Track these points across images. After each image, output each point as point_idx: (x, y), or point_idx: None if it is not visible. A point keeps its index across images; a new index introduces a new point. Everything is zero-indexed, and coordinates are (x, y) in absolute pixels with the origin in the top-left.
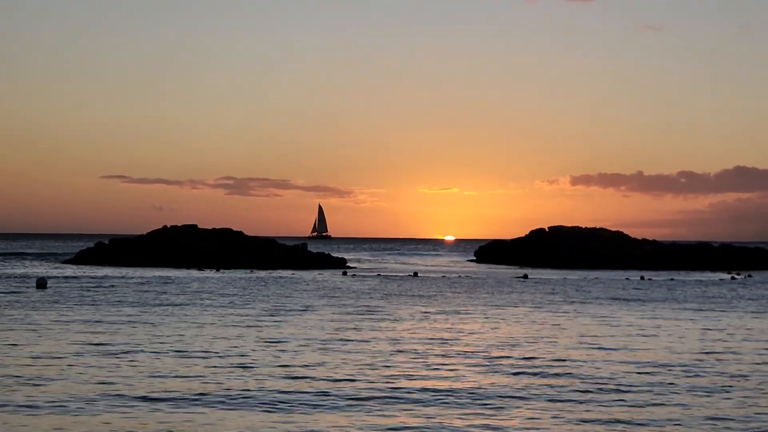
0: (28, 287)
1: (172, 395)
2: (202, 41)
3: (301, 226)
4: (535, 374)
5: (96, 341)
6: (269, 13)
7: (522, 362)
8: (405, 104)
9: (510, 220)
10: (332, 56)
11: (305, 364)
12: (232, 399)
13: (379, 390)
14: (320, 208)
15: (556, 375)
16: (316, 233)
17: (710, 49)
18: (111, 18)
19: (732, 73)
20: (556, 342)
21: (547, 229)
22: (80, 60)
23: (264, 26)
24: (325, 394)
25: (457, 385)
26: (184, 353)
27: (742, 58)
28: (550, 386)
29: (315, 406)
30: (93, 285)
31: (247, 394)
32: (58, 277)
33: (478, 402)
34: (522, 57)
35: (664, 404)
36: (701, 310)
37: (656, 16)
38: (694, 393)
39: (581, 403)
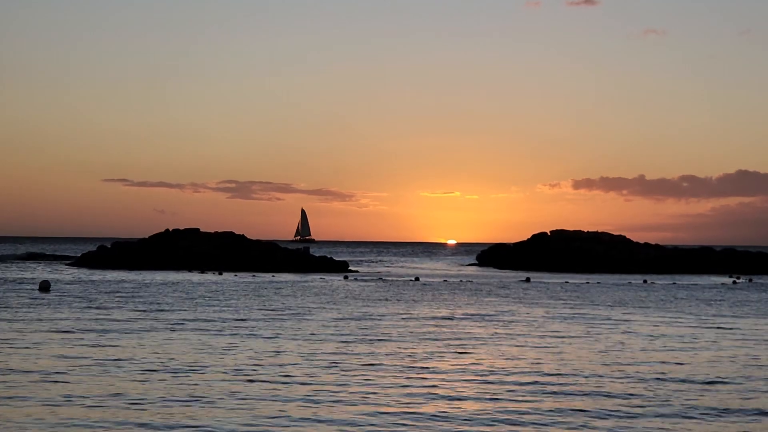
0: (31, 290)
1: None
2: (204, 45)
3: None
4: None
5: (102, 348)
6: (271, 17)
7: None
8: (407, 108)
9: (512, 224)
10: (334, 61)
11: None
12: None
13: None
14: (303, 212)
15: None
16: (299, 237)
17: (712, 53)
18: (113, 22)
19: (734, 78)
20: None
21: (549, 233)
22: (82, 64)
23: (266, 31)
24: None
25: None
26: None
27: (744, 62)
28: None
29: None
30: (96, 288)
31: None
32: (61, 281)
33: None
34: (524, 61)
35: None
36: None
37: (659, 20)
38: None
39: None
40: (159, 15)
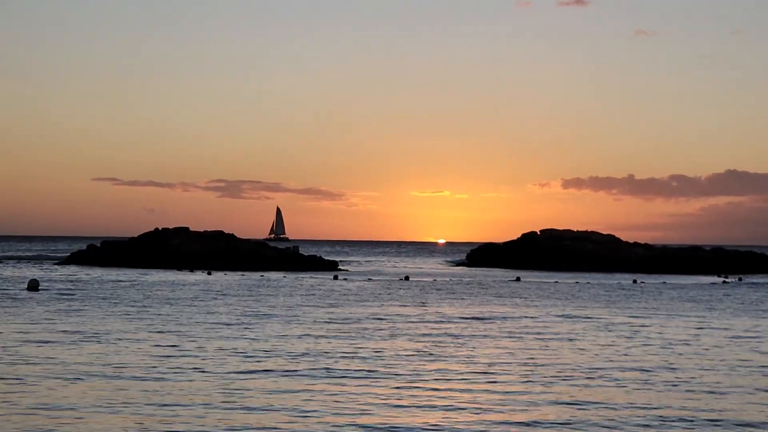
0: (19, 289)
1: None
2: (195, 44)
3: (293, 228)
4: None
5: (90, 347)
6: (262, 16)
7: None
8: (397, 108)
9: (501, 224)
10: (325, 60)
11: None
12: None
13: None
14: (278, 210)
15: None
16: (273, 235)
17: (703, 54)
18: (102, 21)
19: (724, 78)
20: None
21: (538, 233)
22: (71, 63)
23: (257, 29)
24: None
25: None
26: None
27: (734, 63)
28: None
29: None
30: (85, 287)
31: None
32: (50, 280)
33: None
34: (514, 61)
35: None
36: None
37: (649, 21)
38: None
39: None
40: (150, 15)
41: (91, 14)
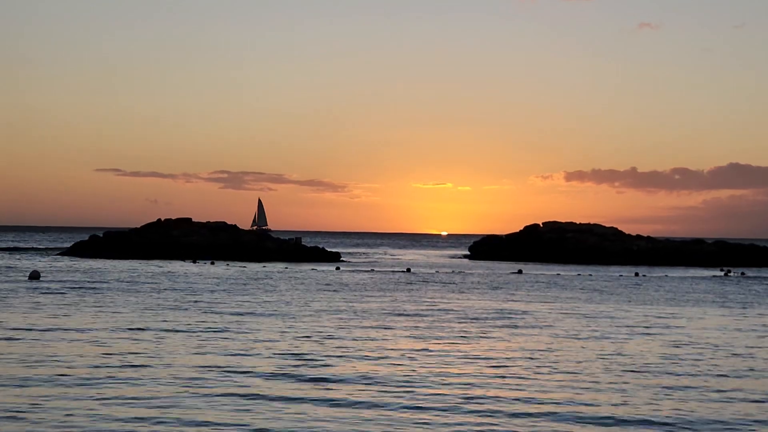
0: (21, 279)
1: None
2: (198, 36)
3: (295, 220)
4: None
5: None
6: (264, 8)
7: None
8: (399, 100)
9: (504, 216)
10: (327, 52)
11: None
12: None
13: None
14: (260, 201)
15: None
16: (256, 227)
17: (706, 47)
18: (106, 11)
19: (727, 71)
20: None
21: (541, 225)
22: (75, 53)
23: (259, 21)
24: None
25: None
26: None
27: (736, 56)
28: None
29: None
30: (87, 277)
31: None
32: (52, 270)
33: None
34: (518, 53)
35: None
36: None
37: (653, 14)
38: None
39: None
40: (152, 7)
41: (94, 7)
